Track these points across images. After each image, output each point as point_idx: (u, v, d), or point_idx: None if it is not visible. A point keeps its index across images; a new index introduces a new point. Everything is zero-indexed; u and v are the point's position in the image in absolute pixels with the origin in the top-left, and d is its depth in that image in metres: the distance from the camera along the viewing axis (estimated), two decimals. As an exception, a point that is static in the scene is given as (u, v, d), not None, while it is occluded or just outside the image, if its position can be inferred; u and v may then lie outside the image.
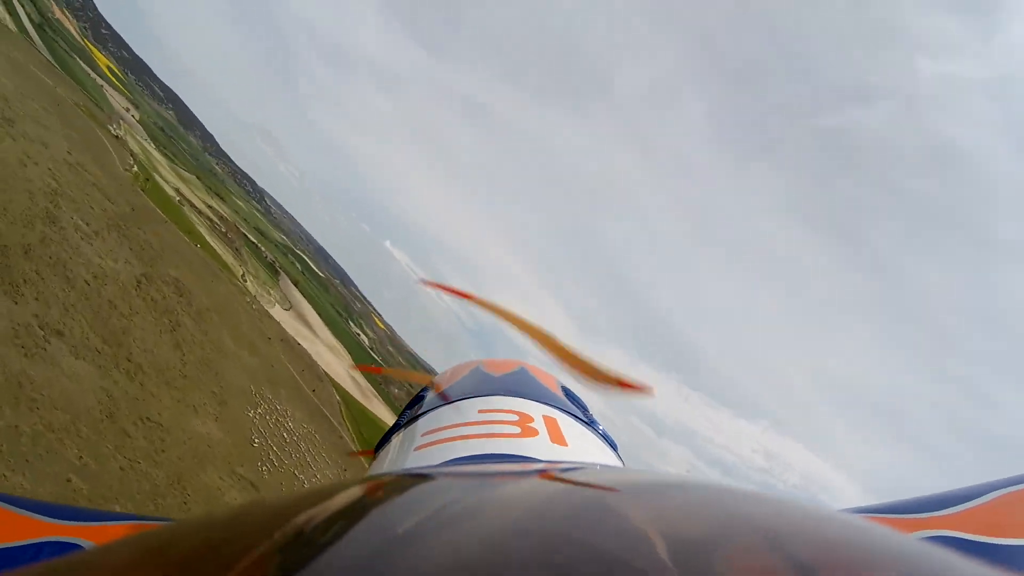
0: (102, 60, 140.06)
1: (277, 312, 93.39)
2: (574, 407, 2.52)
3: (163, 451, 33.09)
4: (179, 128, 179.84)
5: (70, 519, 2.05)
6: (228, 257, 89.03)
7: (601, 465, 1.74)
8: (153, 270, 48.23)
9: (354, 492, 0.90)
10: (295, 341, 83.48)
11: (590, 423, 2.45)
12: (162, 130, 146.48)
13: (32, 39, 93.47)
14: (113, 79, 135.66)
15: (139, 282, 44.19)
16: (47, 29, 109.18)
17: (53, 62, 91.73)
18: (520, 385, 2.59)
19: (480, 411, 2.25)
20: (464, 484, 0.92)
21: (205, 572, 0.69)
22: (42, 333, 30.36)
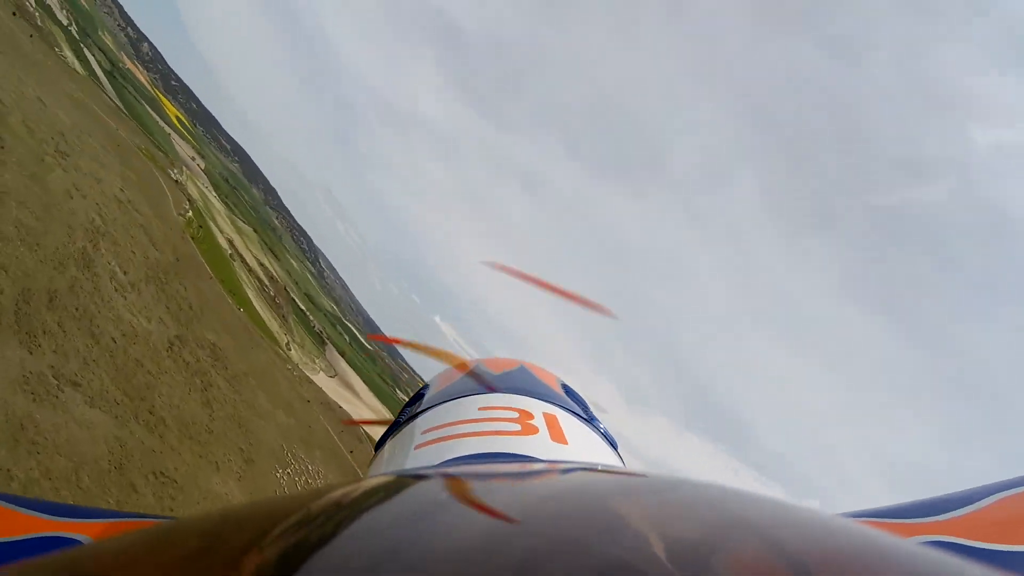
0: (171, 110, 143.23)
1: (320, 379, 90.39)
2: (574, 405, 2.51)
3: (171, 509, 29.16)
4: (243, 180, 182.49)
5: (70, 516, 2.00)
6: (273, 324, 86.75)
7: (601, 465, 1.46)
8: (188, 332, 45.31)
9: (354, 491, 0.91)
10: (336, 404, 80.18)
11: (590, 421, 2.44)
12: (226, 180, 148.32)
13: (101, 84, 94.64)
14: (181, 129, 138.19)
15: (171, 344, 41.18)
16: (117, 76, 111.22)
17: (121, 107, 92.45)
18: (520, 382, 2.59)
19: (480, 408, 2.24)
20: (463, 484, 0.92)
21: (204, 570, 0.70)
22: (56, 383, 27.19)
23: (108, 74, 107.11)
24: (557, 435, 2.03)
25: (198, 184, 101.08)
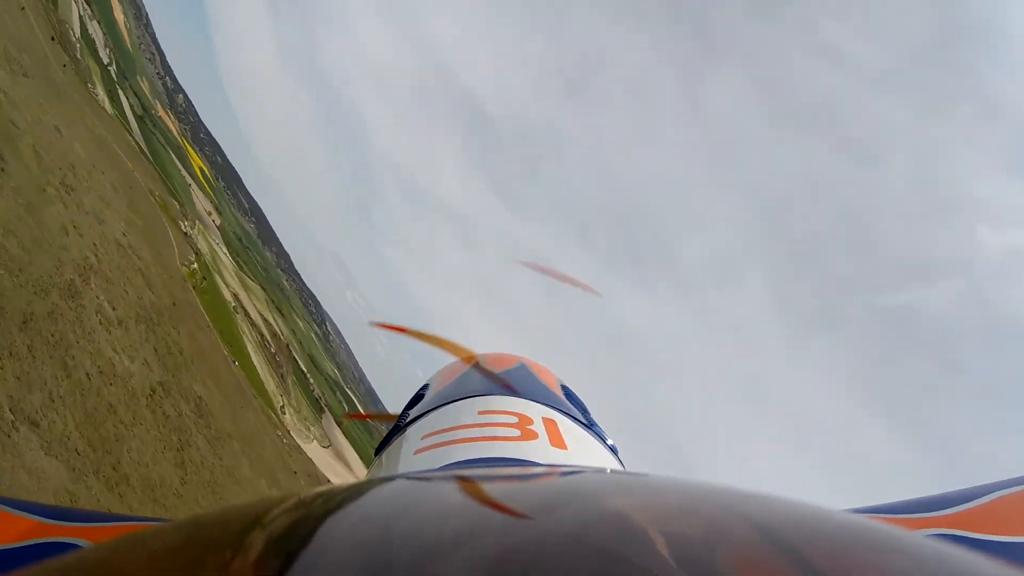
0: (196, 160, 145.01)
1: (313, 448, 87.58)
2: (574, 409, 2.59)
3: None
4: (256, 241, 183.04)
5: (70, 520, 2.08)
6: (270, 383, 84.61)
7: (599, 470, 1.62)
8: (174, 380, 42.81)
9: (354, 494, 0.93)
10: (325, 478, 77.19)
11: (590, 426, 2.51)
12: (240, 239, 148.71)
13: (129, 126, 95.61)
14: (203, 181, 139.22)
15: (153, 391, 38.73)
16: (147, 122, 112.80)
17: (146, 151, 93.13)
18: (520, 383, 2.64)
19: (480, 412, 2.29)
20: (461, 490, 0.94)
21: (204, 571, 0.70)
22: (11, 418, 24.93)
23: (139, 118, 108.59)
24: (556, 440, 2.08)
25: (209, 239, 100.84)
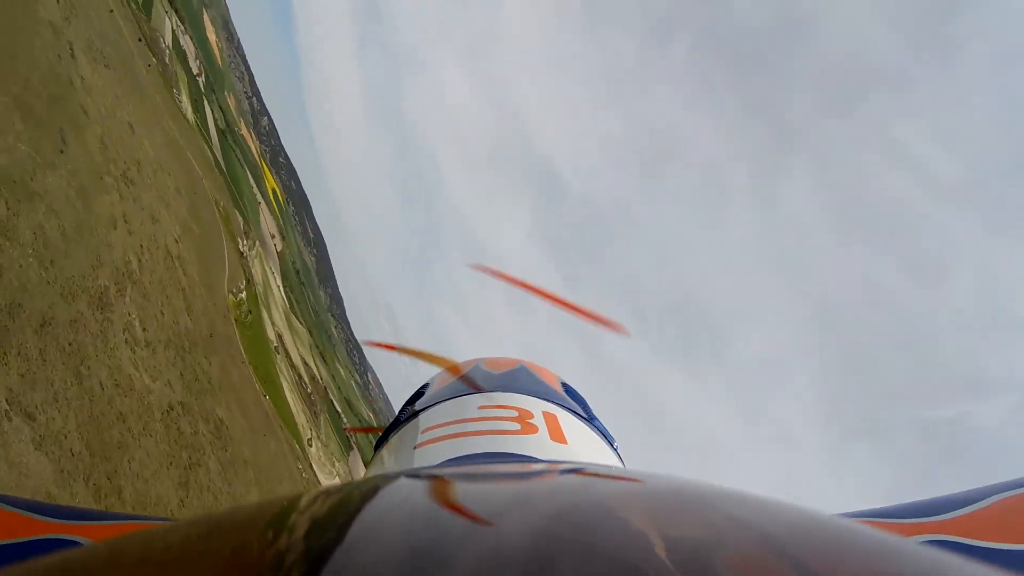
0: (271, 181, 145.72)
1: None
2: (574, 404, 2.62)
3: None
4: (314, 279, 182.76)
5: (71, 518, 2.11)
6: (301, 418, 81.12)
7: (599, 465, 1.65)
8: (196, 402, 39.38)
9: (354, 491, 0.94)
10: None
11: (590, 420, 2.55)
12: (297, 272, 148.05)
13: (210, 138, 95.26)
14: (274, 202, 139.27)
15: (170, 408, 35.26)
16: (228, 137, 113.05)
17: (222, 162, 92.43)
18: (520, 381, 2.70)
19: (480, 407, 2.33)
20: (462, 485, 0.97)
21: (205, 571, 0.70)
22: (6, 408, 21.69)
23: (221, 133, 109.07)
24: (557, 434, 2.12)
25: (266, 266, 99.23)
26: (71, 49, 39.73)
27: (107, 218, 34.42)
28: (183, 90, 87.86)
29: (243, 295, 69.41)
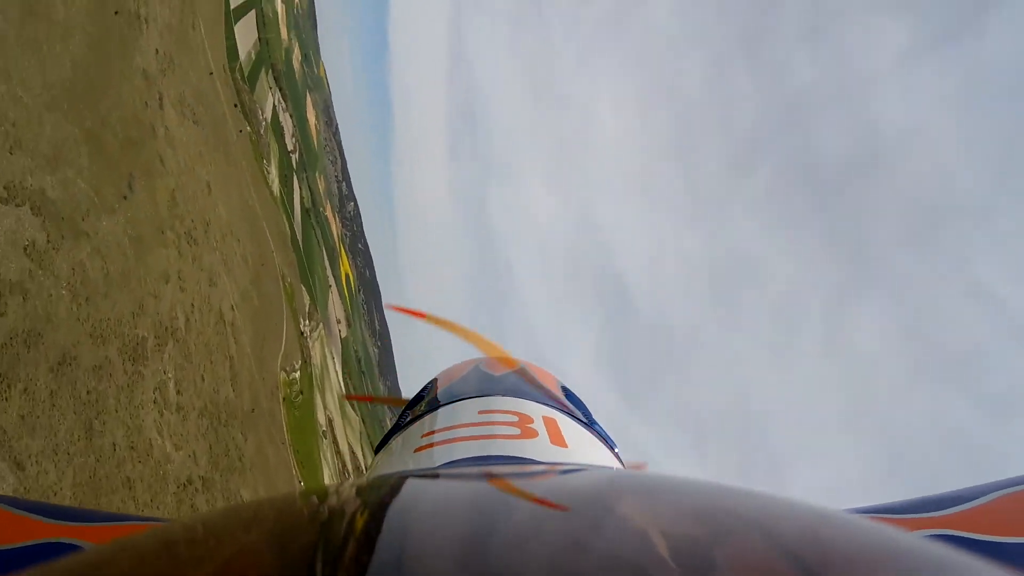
0: (346, 266, 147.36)
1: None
2: (574, 408, 2.65)
3: None
4: (375, 370, 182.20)
5: (69, 520, 2.13)
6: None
7: (599, 468, 1.80)
8: (219, 479, 36.78)
9: (353, 494, 0.97)
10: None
11: (590, 424, 2.57)
12: (359, 360, 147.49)
13: (293, 214, 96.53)
14: (346, 289, 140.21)
15: (188, 483, 32.80)
16: (312, 216, 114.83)
17: (299, 239, 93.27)
18: (520, 385, 2.73)
19: (480, 412, 2.37)
20: (461, 487, 1.01)
21: (206, 571, 0.72)
22: None
23: (305, 210, 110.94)
24: (556, 438, 2.15)
25: (327, 349, 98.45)
26: (160, 99, 40.13)
27: (159, 272, 33.56)
28: (273, 162, 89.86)
29: (296, 374, 68.04)
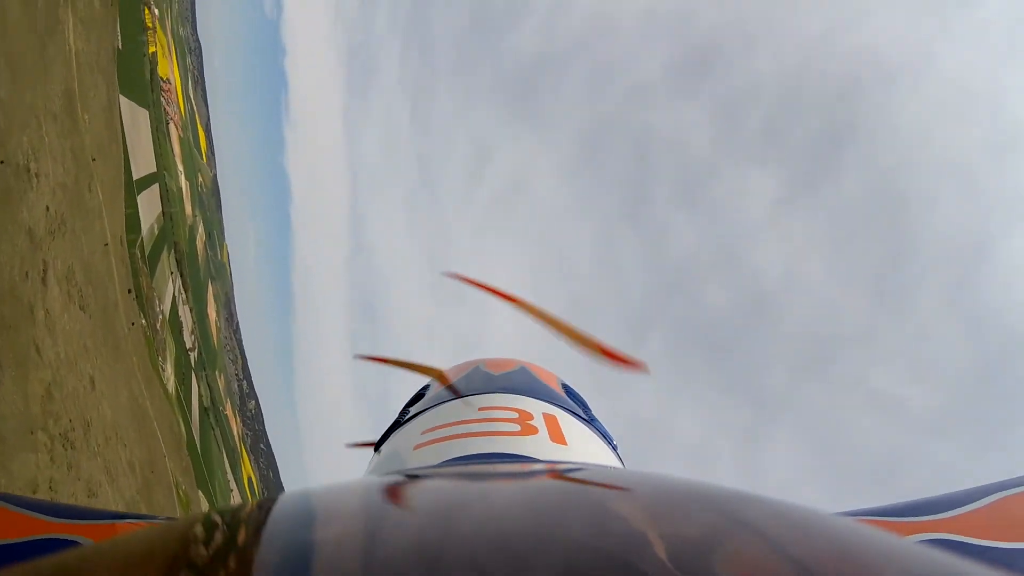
0: (248, 468, 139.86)
1: None
2: (574, 405, 2.64)
3: None
4: None
5: (70, 518, 2.11)
6: None
7: (599, 465, 1.74)
8: None
9: (353, 491, 0.97)
10: None
11: (590, 421, 2.57)
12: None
13: (190, 414, 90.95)
14: (248, 492, 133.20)
15: None
16: (210, 416, 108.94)
17: (196, 441, 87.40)
18: (520, 383, 2.72)
19: (480, 409, 2.36)
20: (461, 485, 1.01)
21: (206, 570, 0.72)
22: None
23: (204, 410, 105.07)
24: (556, 435, 2.15)
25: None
26: (44, 270, 35.92)
27: (25, 480, 28.48)
28: (169, 360, 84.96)
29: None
